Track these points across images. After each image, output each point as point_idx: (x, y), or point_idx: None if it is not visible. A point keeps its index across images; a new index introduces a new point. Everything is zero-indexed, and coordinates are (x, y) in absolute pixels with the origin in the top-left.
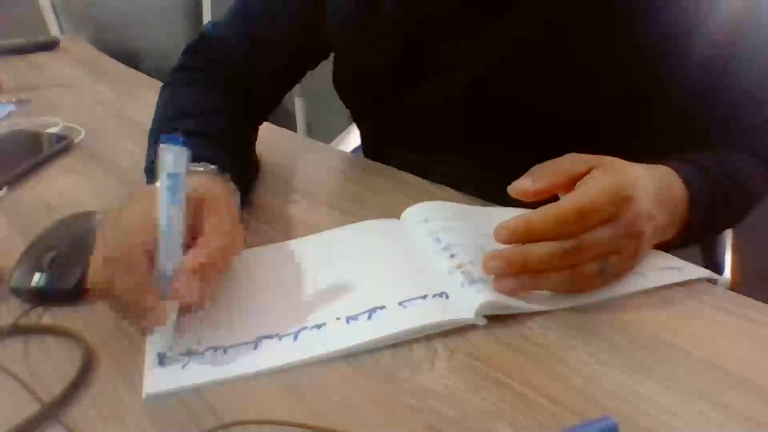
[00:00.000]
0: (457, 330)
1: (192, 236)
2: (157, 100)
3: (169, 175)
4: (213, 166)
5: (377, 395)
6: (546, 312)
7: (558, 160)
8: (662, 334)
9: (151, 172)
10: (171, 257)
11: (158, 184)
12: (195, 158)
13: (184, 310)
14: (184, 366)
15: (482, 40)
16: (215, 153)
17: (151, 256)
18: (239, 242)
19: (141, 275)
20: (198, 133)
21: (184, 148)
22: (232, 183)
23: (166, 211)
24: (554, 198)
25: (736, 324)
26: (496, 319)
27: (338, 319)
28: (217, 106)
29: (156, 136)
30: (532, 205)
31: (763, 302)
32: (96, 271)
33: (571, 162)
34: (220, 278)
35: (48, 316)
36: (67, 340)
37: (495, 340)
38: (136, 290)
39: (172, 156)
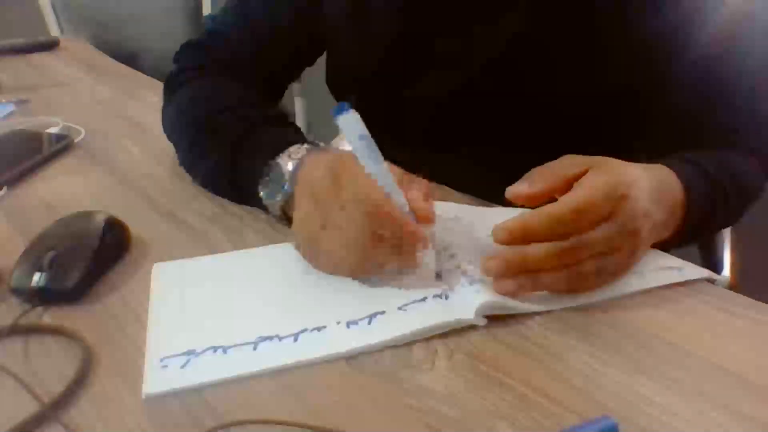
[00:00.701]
0: (457, 330)
1: None
2: (168, 99)
3: (361, 136)
4: (313, 144)
5: (377, 395)
6: (546, 312)
7: (554, 162)
8: (662, 334)
9: (223, 172)
10: (400, 197)
11: (354, 147)
12: (290, 143)
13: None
14: (183, 366)
15: (478, 37)
16: (298, 133)
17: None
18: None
19: (400, 218)
20: (275, 120)
21: (357, 114)
22: None
23: (375, 167)
24: (552, 200)
25: (736, 324)
26: (496, 319)
27: (339, 323)
28: (254, 98)
29: (192, 135)
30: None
31: (762, 302)
32: (365, 232)
33: (568, 164)
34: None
35: (48, 316)
36: (67, 340)
37: (495, 340)
38: (404, 227)
39: (354, 121)
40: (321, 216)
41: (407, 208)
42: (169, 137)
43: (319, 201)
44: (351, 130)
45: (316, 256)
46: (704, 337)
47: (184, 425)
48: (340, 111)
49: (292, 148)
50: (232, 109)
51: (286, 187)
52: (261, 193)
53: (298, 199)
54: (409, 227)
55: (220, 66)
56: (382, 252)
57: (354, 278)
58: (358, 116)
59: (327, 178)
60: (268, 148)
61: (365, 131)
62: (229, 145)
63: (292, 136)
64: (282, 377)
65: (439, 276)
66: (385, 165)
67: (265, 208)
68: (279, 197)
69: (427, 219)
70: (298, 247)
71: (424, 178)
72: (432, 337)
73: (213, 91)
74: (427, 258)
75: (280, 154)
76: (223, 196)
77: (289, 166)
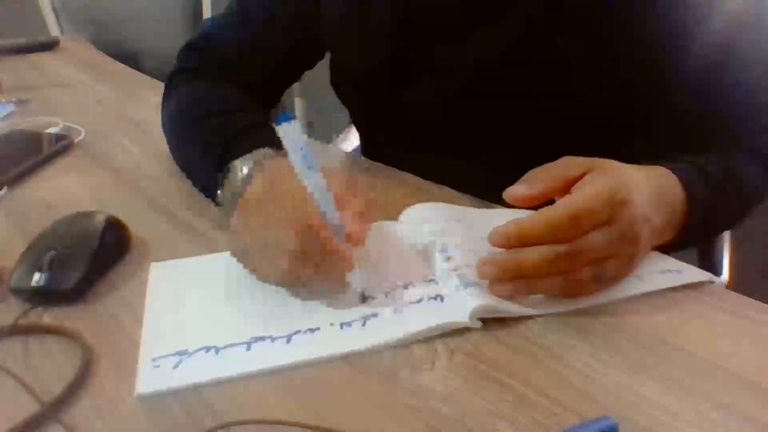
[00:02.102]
0: (457, 330)
1: None
2: (165, 100)
3: (300, 146)
4: (272, 151)
5: (377, 395)
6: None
7: (553, 164)
8: (662, 334)
9: (205, 175)
10: (333, 213)
11: (293, 158)
12: (255, 148)
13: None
14: (176, 366)
15: (478, 40)
16: (270, 139)
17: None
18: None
19: (329, 234)
20: (260, 124)
21: (298, 122)
22: None
23: (312, 177)
24: (551, 202)
25: (736, 324)
26: (496, 319)
27: (332, 324)
28: (244, 102)
29: (193, 135)
30: (531, 206)
31: (762, 302)
32: (290, 246)
33: (566, 166)
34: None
35: (48, 316)
36: (67, 340)
37: (495, 340)
38: (329, 247)
39: (293, 130)
40: (253, 226)
41: (339, 225)
42: (166, 138)
43: (252, 211)
44: (290, 141)
45: (248, 262)
46: (704, 337)
47: (183, 425)
48: (281, 120)
49: (250, 155)
50: (213, 114)
51: (234, 193)
52: (218, 197)
53: (238, 208)
54: (335, 247)
55: (215, 68)
56: (308, 268)
57: (287, 288)
58: (299, 127)
59: (264, 189)
60: (230, 154)
61: (304, 142)
62: (201, 148)
63: (260, 141)
64: (282, 377)
65: (364, 298)
66: (324, 180)
67: None
68: (228, 203)
69: (357, 240)
70: (233, 254)
71: (422, 177)
72: (432, 337)
73: (199, 94)
74: (354, 279)
75: (240, 158)
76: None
77: (243, 172)
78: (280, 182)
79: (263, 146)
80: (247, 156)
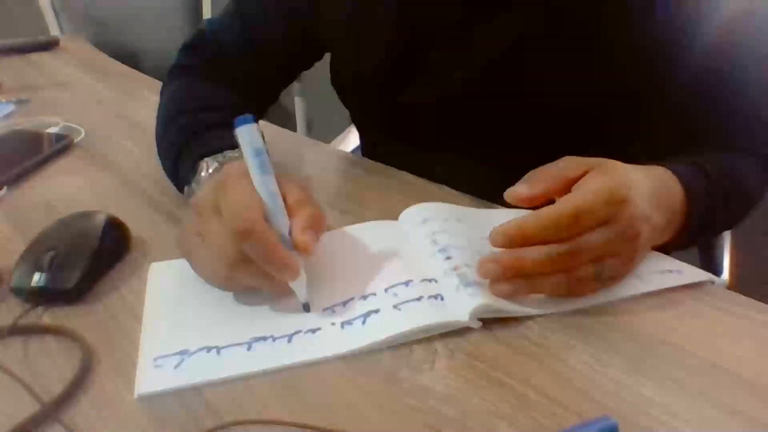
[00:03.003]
0: (457, 330)
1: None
2: (160, 97)
3: (255, 150)
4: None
5: (377, 395)
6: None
7: (553, 164)
8: (662, 334)
9: (172, 172)
10: (280, 222)
11: (247, 161)
12: (230, 147)
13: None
14: (176, 366)
15: (477, 40)
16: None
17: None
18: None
19: (272, 240)
20: (224, 125)
21: (256, 125)
22: None
23: (264, 181)
24: (551, 202)
25: (736, 324)
26: (496, 319)
27: (333, 324)
28: (232, 101)
29: (166, 131)
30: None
31: (762, 302)
32: (230, 249)
33: (566, 166)
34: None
35: (48, 316)
36: (67, 340)
37: (495, 340)
38: (271, 253)
39: (250, 133)
40: (199, 226)
41: (287, 233)
42: None
43: (201, 212)
44: (246, 143)
45: (192, 264)
46: (704, 337)
47: (184, 425)
48: (239, 122)
49: (220, 155)
50: (206, 109)
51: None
52: (186, 193)
53: (191, 207)
54: (277, 254)
55: (211, 67)
56: (249, 273)
57: (228, 289)
58: (257, 129)
59: (214, 190)
60: (197, 155)
61: (261, 145)
62: (177, 146)
63: (228, 141)
64: (282, 377)
65: (307, 308)
66: (276, 185)
67: None
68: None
69: (303, 249)
70: (182, 254)
71: (422, 177)
72: (432, 337)
73: (182, 91)
74: (299, 289)
75: (211, 157)
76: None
77: (208, 171)
78: (232, 185)
79: (228, 146)
80: (218, 155)
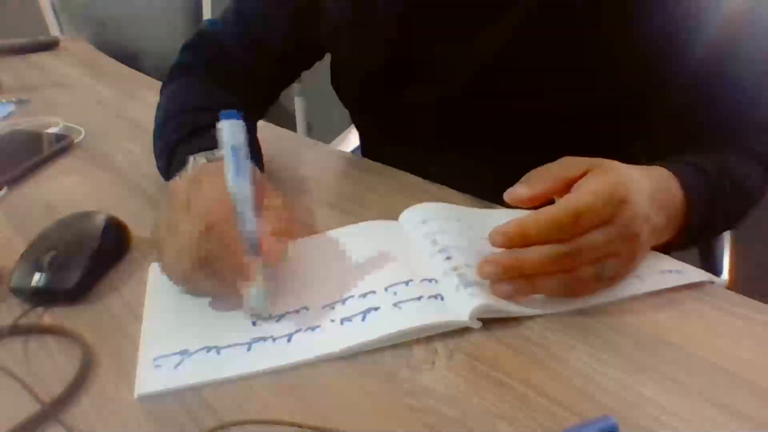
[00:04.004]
0: (457, 330)
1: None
2: (159, 97)
3: (233, 147)
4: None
5: (377, 395)
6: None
7: (553, 164)
8: (662, 334)
9: (165, 171)
10: (249, 225)
11: (225, 158)
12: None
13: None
14: (176, 366)
15: (477, 40)
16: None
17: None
18: (294, 219)
19: (232, 240)
20: (203, 128)
21: (242, 122)
22: (258, 171)
23: (236, 181)
24: (551, 203)
25: (736, 324)
26: (496, 319)
27: (332, 321)
28: (227, 102)
29: (162, 131)
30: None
31: (762, 302)
32: (193, 246)
33: (566, 166)
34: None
35: (48, 316)
36: (67, 340)
37: (495, 340)
38: (233, 256)
39: (232, 129)
40: (169, 221)
41: (255, 236)
42: None
43: (172, 207)
44: (225, 139)
45: (159, 258)
46: (704, 337)
47: (184, 425)
48: (224, 116)
49: (209, 153)
50: (200, 109)
51: None
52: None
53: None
54: (236, 257)
55: (211, 67)
56: (208, 275)
57: (188, 291)
58: (240, 127)
59: (188, 185)
60: (189, 154)
61: (240, 144)
62: (171, 146)
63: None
64: (282, 377)
65: (257, 316)
66: (250, 187)
67: None
68: None
69: (270, 257)
70: (153, 246)
71: (422, 177)
72: (432, 337)
73: (180, 91)
74: (251, 295)
75: (200, 154)
76: None
77: (191, 168)
78: (206, 181)
79: (210, 148)
80: (207, 153)
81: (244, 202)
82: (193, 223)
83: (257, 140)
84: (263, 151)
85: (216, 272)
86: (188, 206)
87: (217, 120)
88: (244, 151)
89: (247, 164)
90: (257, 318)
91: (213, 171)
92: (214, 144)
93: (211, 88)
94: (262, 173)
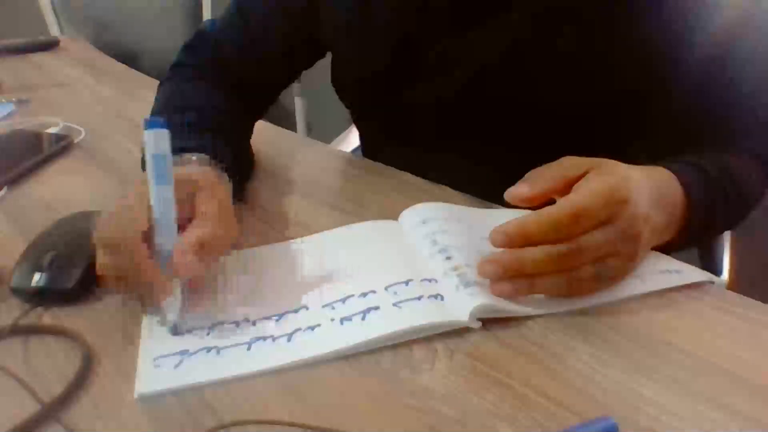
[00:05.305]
0: (457, 330)
1: (189, 220)
2: (155, 95)
3: (155, 156)
4: (207, 157)
5: (377, 395)
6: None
7: (553, 164)
8: (662, 334)
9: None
10: (166, 235)
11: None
12: (192, 149)
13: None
14: (176, 366)
15: (477, 39)
16: (211, 144)
17: (147, 237)
18: (232, 230)
19: (139, 254)
20: (196, 126)
21: (166, 131)
22: (226, 174)
23: (156, 191)
24: (551, 202)
25: (736, 324)
26: (496, 319)
27: (332, 320)
28: (215, 102)
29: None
30: (532, 207)
31: (762, 302)
32: (99, 256)
33: (567, 166)
34: (217, 262)
35: (48, 316)
36: (67, 340)
37: (495, 340)
38: (138, 268)
39: (156, 138)
40: (101, 223)
41: (170, 246)
42: None
43: (112, 210)
44: (148, 147)
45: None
46: (704, 337)
47: (184, 425)
48: (149, 125)
49: (189, 155)
50: (186, 108)
51: None
52: None
53: None
54: (144, 268)
55: (210, 67)
56: (116, 286)
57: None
58: (167, 135)
59: (126, 192)
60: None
61: (163, 151)
62: None
63: (203, 144)
64: (282, 377)
65: (174, 330)
66: (172, 196)
67: None
68: None
69: (177, 271)
70: None
71: (423, 177)
72: (432, 337)
73: (178, 92)
74: (169, 308)
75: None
76: None
77: None
78: (133, 190)
79: (194, 148)
80: (175, 157)
81: (165, 213)
82: (103, 232)
83: (250, 146)
84: (263, 151)
85: (124, 287)
86: (114, 214)
87: (198, 119)
88: (168, 160)
89: (171, 174)
90: (174, 332)
91: (142, 180)
92: (184, 144)
93: (205, 87)
94: (244, 178)
